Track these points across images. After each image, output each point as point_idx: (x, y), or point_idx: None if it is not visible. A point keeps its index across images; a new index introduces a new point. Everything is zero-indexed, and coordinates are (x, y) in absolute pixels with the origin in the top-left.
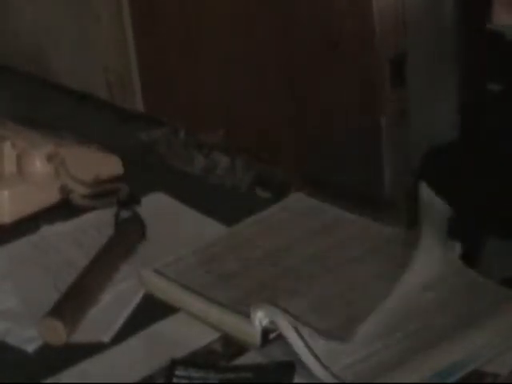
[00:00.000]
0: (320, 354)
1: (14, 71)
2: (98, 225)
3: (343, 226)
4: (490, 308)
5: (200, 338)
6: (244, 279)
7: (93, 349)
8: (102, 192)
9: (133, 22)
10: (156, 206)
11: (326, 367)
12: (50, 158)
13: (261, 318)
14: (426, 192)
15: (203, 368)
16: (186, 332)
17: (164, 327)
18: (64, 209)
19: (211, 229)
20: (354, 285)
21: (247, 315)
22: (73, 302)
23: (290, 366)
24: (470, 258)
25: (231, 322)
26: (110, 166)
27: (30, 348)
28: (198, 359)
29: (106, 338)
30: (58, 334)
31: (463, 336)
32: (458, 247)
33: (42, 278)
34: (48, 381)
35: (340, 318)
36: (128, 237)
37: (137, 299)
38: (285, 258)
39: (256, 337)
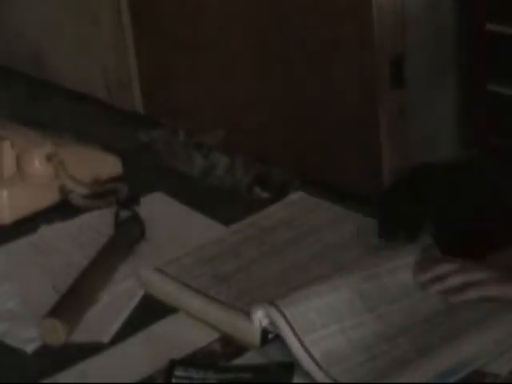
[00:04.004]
0: (318, 357)
1: (14, 72)
2: (97, 225)
3: (346, 224)
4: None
5: (199, 338)
6: (244, 278)
7: (92, 349)
8: (101, 192)
9: (132, 23)
10: (155, 206)
11: (321, 368)
12: (49, 158)
13: (261, 318)
14: None
15: (202, 368)
16: (186, 332)
17: (163, 327)
18: (63, 209)
19: (210, 229)
20: None
21: (247, 314)
22: (72, 302)
23: (290, 366)
24: None
25: (231, 321)
26: (109, 166)
27: (29, 349)
28: (198, 359)
29: (105, 339)
30: (57, 334)
31: (462, 340)
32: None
33: (41, 279)
34: (47, 381)
35: None
36: (127, 237)
37: (136, 299)
38: (288, 256)
39: (256, 336)
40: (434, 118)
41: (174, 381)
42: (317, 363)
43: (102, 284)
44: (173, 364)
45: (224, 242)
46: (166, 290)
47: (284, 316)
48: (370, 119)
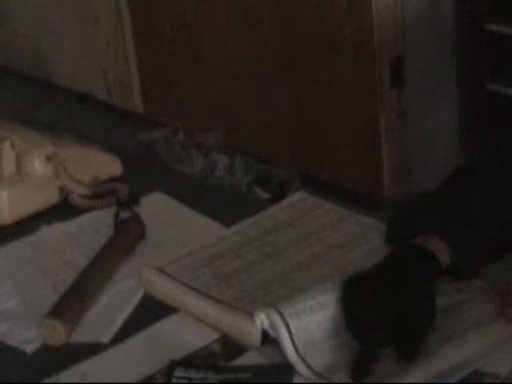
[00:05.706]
0: (318, 368)
1: (15, 72)
2: (97, 225)
3: (347, 224)
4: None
5: (199, 338)
6: (245, 278)
7: (92, 349)
8: (101, 192)
9: (132, 24)
10: (155, 207)
11: (317, 374)
12: (49, 159)
13: (263, 320)
14: None
15: (202, 368)
16: (186, 332)
17: (163, 328)
18: (63, 209)
19: (210, 229)
20: None
21: (248, 314)
22: (72, 302)
23: (289, 367)
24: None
25: (231, 321)
26: (109, 166)
27: (29, 349)
28: (197, 360)
29: (105, 339)
30: (57, 334)
31: (462, 340)
32: None
33: (41, 279)
34: (47, 381)
35: None
36: (127, 237)
37: (136, 299)
38: (289, 256)
39: (256, 337)
40: (434, 118)
41: (173, 381)
42: (315, 372)
43: (102, 284)
44: (173, 364)
45: (225, 242)
46: (167, 289)
47: (287, 327)
48: (370, 119)
